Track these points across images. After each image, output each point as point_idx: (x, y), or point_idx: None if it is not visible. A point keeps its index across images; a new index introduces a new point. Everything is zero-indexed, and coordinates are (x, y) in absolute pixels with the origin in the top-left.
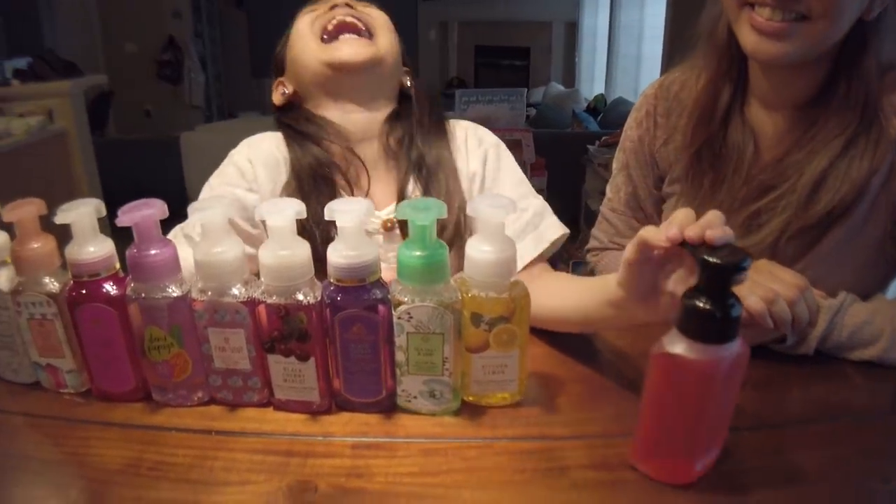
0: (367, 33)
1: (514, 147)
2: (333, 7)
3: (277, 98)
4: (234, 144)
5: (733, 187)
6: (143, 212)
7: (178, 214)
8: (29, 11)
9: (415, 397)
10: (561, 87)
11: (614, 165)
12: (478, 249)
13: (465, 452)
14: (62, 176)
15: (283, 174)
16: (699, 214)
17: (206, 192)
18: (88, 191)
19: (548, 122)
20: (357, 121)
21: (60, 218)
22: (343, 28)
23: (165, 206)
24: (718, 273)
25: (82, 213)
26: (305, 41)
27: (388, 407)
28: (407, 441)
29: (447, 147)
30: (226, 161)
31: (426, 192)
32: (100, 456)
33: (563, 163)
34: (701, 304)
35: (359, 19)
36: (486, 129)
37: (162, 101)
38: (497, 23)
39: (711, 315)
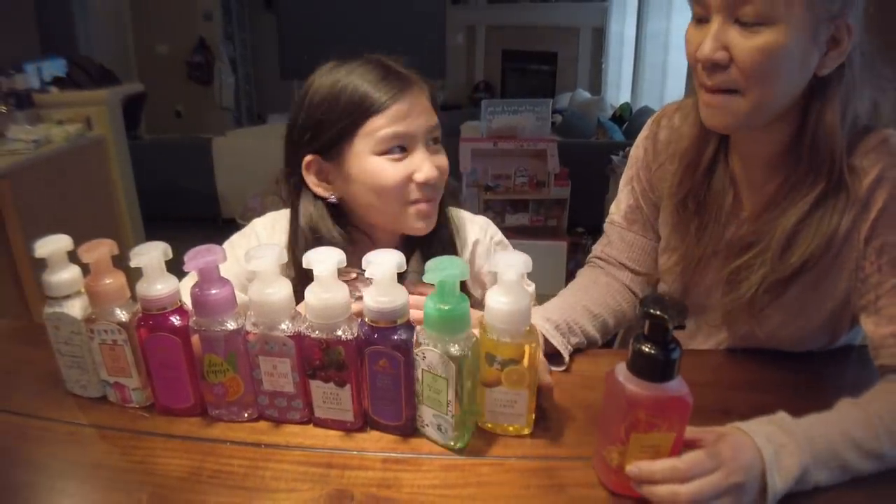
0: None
1: (539, 157)
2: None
3: (321, 192)
4: (262, 149)
5: (716, 233)
6: (207, 258)
7: (209, 215)
8: (63, 12)
9: (426, 426)
10: (587, 94)
11: (621, 182)
12: (495, 300)
13: (479, 469)
14: (99, 181)
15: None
16: (686, 260)
17: (227, 246)
18: (125, 195)
19: (573, 130)
20: (389, 238)
21: (135, 262)
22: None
23: (225, 252)
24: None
25: (152, 256)
26: (392, 184)
27: (409, 431)
28: (430, 458)
29: (454, 250)
30: (248, 227)
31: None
32: (165, 465)
33: (587, 172)
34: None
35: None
36: (494, 226)
37: (192, 102)
38: (524, 27)
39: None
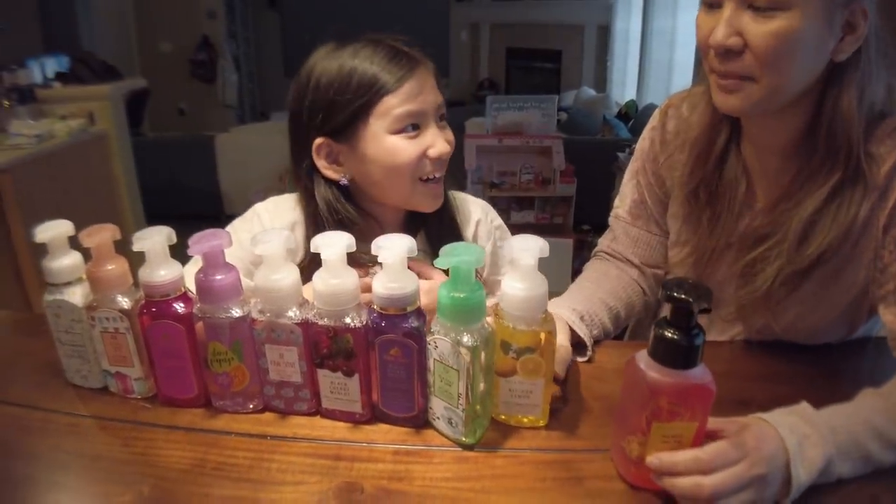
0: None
1: (544, 154)
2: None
3: (331, 175)
4: (265, 146)
5: (729, 225)
6: (212, 242)
7: (212, 212)
8: (66, 10)
9: (438, 418)
10: (592, 92)
11: (626, 175)
12: (511, 286)
13: (493, 461)
14: (102, 176)
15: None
16: (698, 252)
17: (229, 230)
18: (127, 190)
19: (578, 127)
20: (395, 218)
21: (137, 246)
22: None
23: (231, 237)
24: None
25: (155, 241)
26: (408, 161)
27: (421, 423)
28: (442, 450)
29: (457, 229)
30: (250, 211)
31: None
32: (167, 456)
33: (593, 169)
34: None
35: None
36: (494, 211)
37: (195, 100)
38: (529, 25)
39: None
